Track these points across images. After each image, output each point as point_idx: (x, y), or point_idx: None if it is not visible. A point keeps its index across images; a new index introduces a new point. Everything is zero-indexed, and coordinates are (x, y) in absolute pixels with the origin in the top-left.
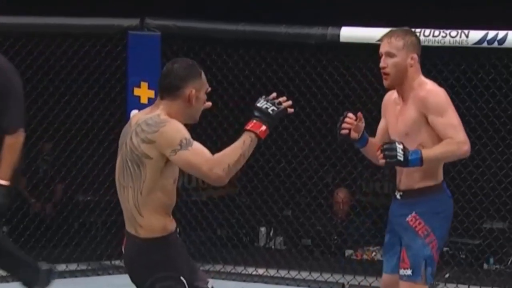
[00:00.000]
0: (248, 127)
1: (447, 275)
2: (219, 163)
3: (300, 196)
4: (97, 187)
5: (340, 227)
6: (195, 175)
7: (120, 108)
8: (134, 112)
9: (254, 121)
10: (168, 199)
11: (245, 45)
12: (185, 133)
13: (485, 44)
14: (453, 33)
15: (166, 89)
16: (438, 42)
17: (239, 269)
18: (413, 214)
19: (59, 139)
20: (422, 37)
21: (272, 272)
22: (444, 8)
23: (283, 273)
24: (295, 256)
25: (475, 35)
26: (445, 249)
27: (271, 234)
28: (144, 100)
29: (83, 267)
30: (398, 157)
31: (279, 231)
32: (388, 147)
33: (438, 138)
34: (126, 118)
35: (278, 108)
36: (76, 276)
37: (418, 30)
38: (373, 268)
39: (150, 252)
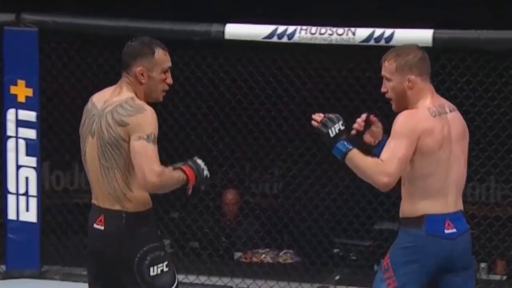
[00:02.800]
0: (187, 170)
1: (337, 277)
2: (160, 174)
3: (186, 198)
4: None
5: (228, 229)
6: (135, 168)
7: None
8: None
9: (192, 170)
10: None
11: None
12: (156, 129)
13: (372, 42)
14: (340, 30)
15: (122, 66)
16: (325, 40)
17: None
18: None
19: None
20: (308, 35)
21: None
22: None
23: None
24: (182, 259)
25: (362, 33)
26: (335, 250)
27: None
28: (21, 99)
29: None
30: (329, 131)
31: (166, 233)
32: (331, 117)
33: (413, 167)
34: (3, 118)
35: (208, 176)
36: None
37: (304, 27)
38: (262, 271)
39: (138, 225)
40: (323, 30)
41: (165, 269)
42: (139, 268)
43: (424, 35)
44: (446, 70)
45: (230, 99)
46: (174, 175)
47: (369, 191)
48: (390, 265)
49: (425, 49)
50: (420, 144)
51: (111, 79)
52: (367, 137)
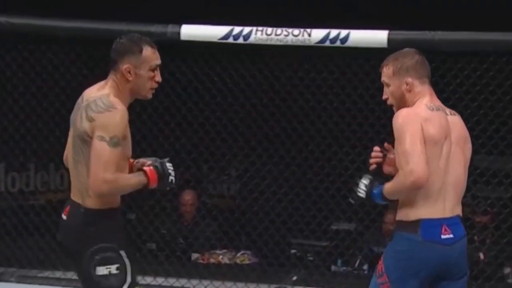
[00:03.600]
0: (149, 173)
1: (294, 278)
2: (110, 182)
3: (143, 199)
4: None
5: (185, 230)
6: (89, 169)
7: None
8: None
9: (156, 173)
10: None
11: (84, 42)
12: (121, 131)
13: (327, 43)
14: (296, 31)
15: (110, 63)
16: (280, 41)
17: None
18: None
19: None
20: (264, 36)
21: None
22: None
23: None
24: (139, 260)
25: (317, 33)
26: (292, 251)
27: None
28: None
29: None
30: (359, 194)
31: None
32: (356, 184)
33: None
34: None
35: (173, 181)
36: None
37: (260, 28)
38: (220, 272)
39: (95, 222)
40: (278, 31)
41: (114, 272)
42: (88, 265)
43: (379, 36)
44: None
45: (186, 100)
46: (129, 182)
47: (326, 192)
48: (384, 270)
49: (380, 50)
50: (424, 132)
51: (66, 80)
52: (386, 168)
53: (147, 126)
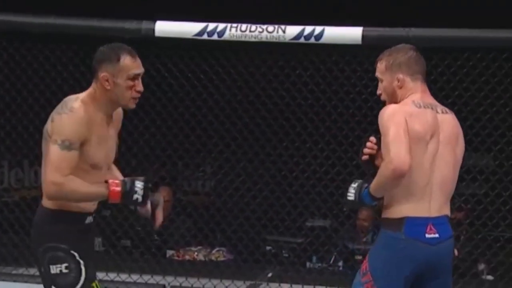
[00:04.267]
0: (111, 186)
1: (269, 274)
2: (59, 185)
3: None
4: None
5: (160, 227)
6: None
7: None
8: None
9: (119, 188)
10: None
11: (57, 39)
12: (75, 135)
13: (302, 40)
14: (270, 28)
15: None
16: (255, 38)
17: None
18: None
19: None
20: (238, 32)
21: None
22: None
23: (101, 275)
24: (114, 257)
25: (292, 30)
26: (267, 248)
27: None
28: None
29: None
30: (349, 197)
31: (97, 232)
32: (348, 189)
33: None
34: None
35: (141, 200)
36: None
37: (234, 25)
38: (195, 269)
39: (47, 221)
40: (253, 27)
41: (64, 271)
42: (41, 262)
43: (353, 33)
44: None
45: (160, 96)
46: (83, 189)
47: (301, 189)
48: (368, 269)
49: (354, 47)
50: (409, 127)
51: (40, 76)
52: (379, 161)
53: (123, 123)
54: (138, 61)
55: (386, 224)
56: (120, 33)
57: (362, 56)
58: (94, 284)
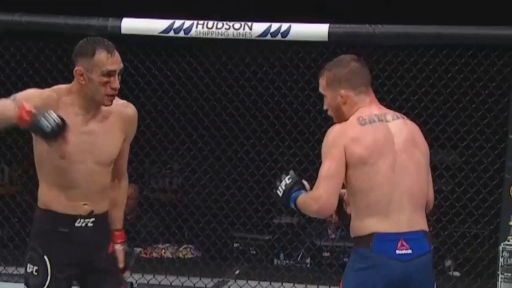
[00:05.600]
0: (22, 108)
1: (237, 272)
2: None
3: None
4: None
5: (127, 224)
6: None
7: None
8: None
9: (31, 113)
10: (53, 175)
11: (23, 36)
12: (22, 94)
13: (268, 37)
14: (237, 25)
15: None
16: (221, 35)
17: (22, 270)
18: None
19: None
20: (205, 29)
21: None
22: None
23: None
24: None
25: (258, 27)
26: (235, 245)
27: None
28: None
29: None
30: (278, 192)
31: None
32: (280, 178)
33: (349, 181)
34: None
35: (49, 130)
36: None
37: (201, 22)
38: (163, 266)
39: (36, 220)
40: (220, 24)
41: (34, 273)
42: (25, 258)
43: (320, 30)
44: None
45: (127, 94)
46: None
47: (268, 186)
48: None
49: (320, 43)
50: (349, 154)
51: (6, 74)
52: (348, 207)
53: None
54: (115, 57)
55: (355, 242)
56: (86, 30)
57: (328, 54)
58: None
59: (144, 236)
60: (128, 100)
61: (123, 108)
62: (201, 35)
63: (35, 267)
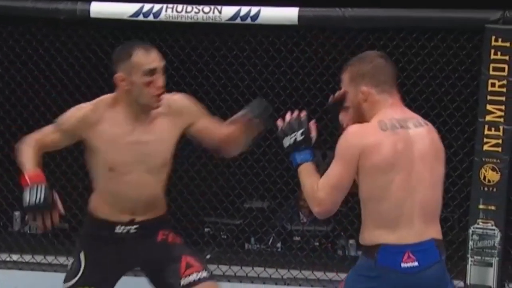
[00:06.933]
0: (28, 174)
1: (208, 256)
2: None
3: (54, 178)
4: None
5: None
6: None
7: None
8: None
9: (28, 181)
10: (102, 184)
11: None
12: (67, 119)
13: (238, 20)
14: (206, 9)
15: None
16: (191, 18)
17: None
18: None
19: None
20: (174, 13)
21: (27, 257)
22: None
23: (38, 258)
24: (52, 241)
25: (228, 11)
26: (205, 229)
27: (26, 218)
28: None
29: None
30: (285, 140)
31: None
32: (291, 123)
33: (362, 188)
34: None
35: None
36: None
37: (170, 5)
38: None
39: (84, 221)
40: (189, 8)
41: (70, 266)
42: None
43: (289, 13)
44: (312, 48)
45: (97, 78)
46: (20, 154)
47: (239, 170)
48: None
49: (290, 27)
50: (363, 162)
51: None
52: (344, 117)
53: (56, 105)
54: (154, 55)
55: (363, 250)
56: (55, 14)
57: (298, 38)
58: None
59: None
60: (97, 86)
61: (170, 101)
62: (171, 19)
63: (72, 261)
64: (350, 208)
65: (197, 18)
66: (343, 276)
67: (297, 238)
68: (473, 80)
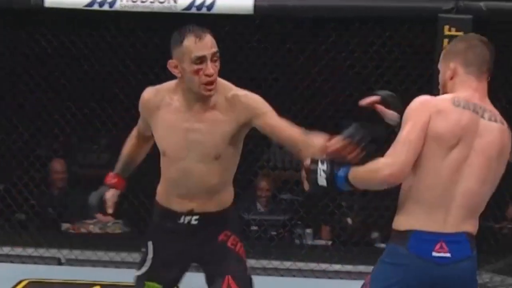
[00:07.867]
0: (110, 176)
1: None
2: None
3: (11, 169)
4: None
5: (55, 200)
6: None
7: None
8: None
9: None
10: (162, 171)
11: None
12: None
13: (194, 10)
14: None
15: None
16: (146, 8)
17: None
18: None
19: None
20: (130, 3)
21: None
22: None
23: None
24: (8, 232)
25: (183, 0)
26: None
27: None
28: None
29: None
30: (319, 182)
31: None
32: (313, 168)
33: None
34: None
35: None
36: None
37: None
38: (90, 242)
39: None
40: None
41: (141, 254)
42: None
43: (245, 3)
44: (268, 38)
45: (54, 68)
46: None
47: None
48: (369, 281)
49: (246, 17)
50: (431, 125)
51: None
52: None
53: (18, 96)
54: (204, 41)
55: (393, 236)
56: (8, 4)
57: (253, 27)
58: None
59: (72, 211)
60: (54, 74)
61: (233, 94)
62: (126, 9)
63: (142, 249)
64: (307, 197)
65: (153, 8)
66: (300, 264)
67: (254, 228)
68: (428, 69)
